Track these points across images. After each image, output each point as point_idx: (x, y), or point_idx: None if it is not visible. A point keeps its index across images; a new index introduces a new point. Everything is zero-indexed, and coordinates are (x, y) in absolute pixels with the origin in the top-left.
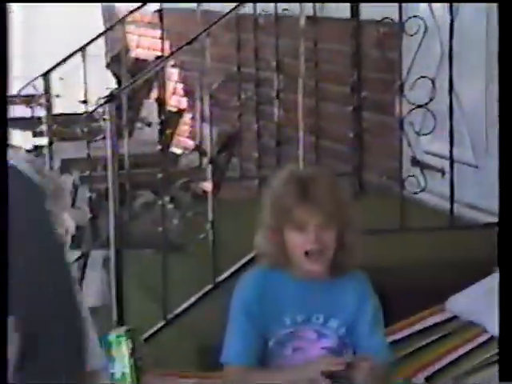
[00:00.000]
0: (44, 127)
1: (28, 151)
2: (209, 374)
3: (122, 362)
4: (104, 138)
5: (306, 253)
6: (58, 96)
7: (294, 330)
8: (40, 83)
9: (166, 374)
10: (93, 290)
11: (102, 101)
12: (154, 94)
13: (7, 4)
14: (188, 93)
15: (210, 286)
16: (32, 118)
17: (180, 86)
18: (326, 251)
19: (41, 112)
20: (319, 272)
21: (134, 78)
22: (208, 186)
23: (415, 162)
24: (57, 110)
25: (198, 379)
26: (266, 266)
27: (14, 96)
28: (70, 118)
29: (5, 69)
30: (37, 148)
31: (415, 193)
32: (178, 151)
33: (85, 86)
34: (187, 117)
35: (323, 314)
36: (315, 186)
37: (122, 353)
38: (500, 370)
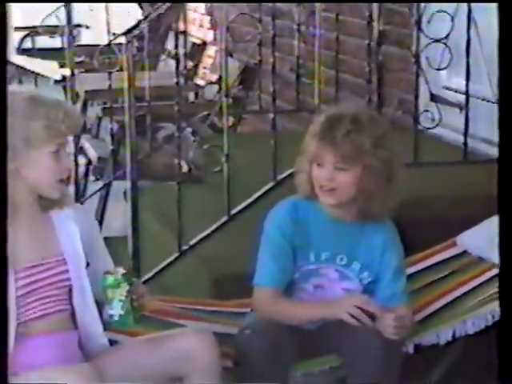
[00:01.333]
0: (67, 58)
1: (56, 81)
2: (222, 303)
3: (119, 304)
4: (121, 69)
5: (321, 187)
6: (87, 27)
7: (317, 266)
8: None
9: (178, 301)
10: (115, 221)
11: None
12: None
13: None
14: (213, 25)
15: (224, 218)
16: (61, 48)
17: (206, 19)
18: (338, 190)
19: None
20: (341, 207)
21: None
22: (225, 118)
23: (433, 96)
24: (85, 40)
25: (210, 308)
26: (300, 197)
27: (37, 26)
28: (93, 49)
29: (5, 69)
30: (65, 78)
31: (430, 128)
32: (202, 83)
33: (107, 17)
34: (212, 49)
35: (347, 256)
36: (337, 127)
37: (119, 295)
38: (500, 369)
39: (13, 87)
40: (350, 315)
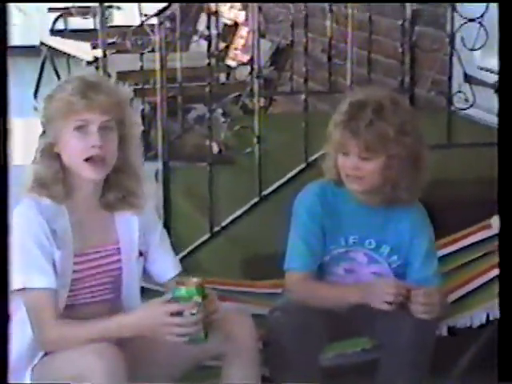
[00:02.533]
0: (99, 39)
1: (89, 63)
2: (253, 284)
3: (190, 318)
4: (153, 50)
5: (347, 175)
6: (119, 8)
7: (346, 250)
8: None
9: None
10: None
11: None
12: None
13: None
14: (245, 6)
15: (256, 200)
16: (93, 29)
17: None
18: (365, 178)
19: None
20: (368, 193)
21: None
22: (257, 100)
23: (466, 77)
24: (117, 22)
25: (242, 288)
26: (328, 180)
27: (70, 7)
28: (125, 30)
29: (5, 69)
30: (97, 59)
31: (463, 108)
32: (233, 64)
33: None
34: (244, 30)
35: (375, 240)
36: (360, 116)
37: (190, 308)
38: (500, 369)
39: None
40: (382, 301)
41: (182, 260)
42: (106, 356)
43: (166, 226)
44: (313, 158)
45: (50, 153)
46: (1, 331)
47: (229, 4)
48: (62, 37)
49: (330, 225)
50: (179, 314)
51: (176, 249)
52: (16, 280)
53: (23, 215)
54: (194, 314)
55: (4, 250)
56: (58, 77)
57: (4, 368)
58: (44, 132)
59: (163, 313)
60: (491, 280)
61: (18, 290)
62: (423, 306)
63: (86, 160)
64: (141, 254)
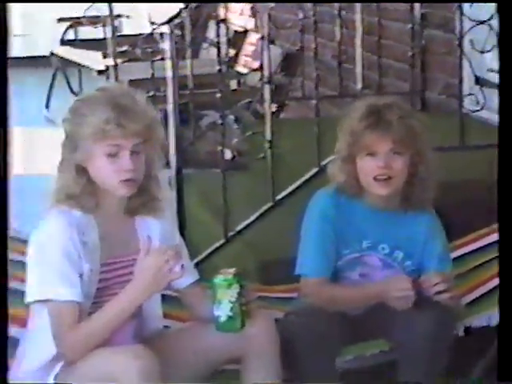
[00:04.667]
0: (110, 48)
1: (100, 72)
2: (268, 288)
3: (227, 305)
4: (163, 58)
5: (375, 178)
6: (128, 17)
7: (360, 255)
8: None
9: None
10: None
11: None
12: (220, 14)
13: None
14: (254, 13)
15: (269, 204)
16: (103, 39)
17: (247, 7)
18: (394, 178)
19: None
20: (387, 197)
21: None
22: (268, 105)
23: (477, 79)
24: (126, 31)
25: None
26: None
27: (80, 17)
28: (135, 39)
29: (5, 68)
30: (108, 69)
31: (475, 111)
32: (244, 71)
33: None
34: (254, 37)
35: (388, 245)
36: (388, 113)
37: (229, 297)
38: (499, 369)
39: (107, 84)
40: (397, 298)
41: (197, 265)
42: (140, 356)
43: (181, 232)
44: (325, 162)
45: (78, 167)
46: (1, 332)
47: (238, 11)
48: (73, 47)
49: (344, 229)
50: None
51: (191, 255)
52: (43, 290)
53: (53, 227)
54: (232, 302)
55: (4, 256)
56: (70, 86)
57: (4, 368)
58: (69, 144)
59: (156, 255)
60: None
61: (43, 301)
62: (437, 286)
63: (120, 181)
64: None
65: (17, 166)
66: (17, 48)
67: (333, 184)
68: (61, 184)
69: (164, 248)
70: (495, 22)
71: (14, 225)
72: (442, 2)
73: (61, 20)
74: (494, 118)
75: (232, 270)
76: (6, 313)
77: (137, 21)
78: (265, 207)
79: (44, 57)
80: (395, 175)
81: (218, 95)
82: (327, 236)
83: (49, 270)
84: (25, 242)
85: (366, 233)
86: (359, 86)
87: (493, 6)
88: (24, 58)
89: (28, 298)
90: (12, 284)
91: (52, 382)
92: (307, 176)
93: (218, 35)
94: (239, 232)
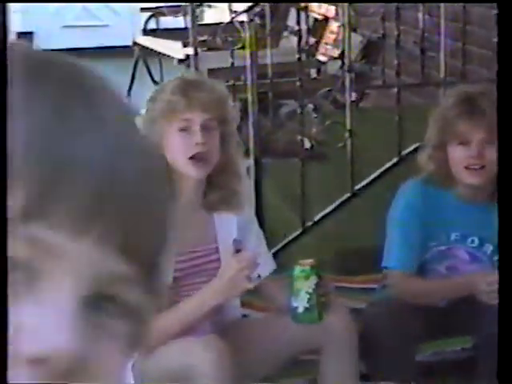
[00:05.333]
0: (190, 37)
1: (180, 61)
2: (349, 279)
3: (305, 296)
4: (243, 47)
5: (467, 167)
6: (209, 6)
7: (448, 247)
8: None
9: None
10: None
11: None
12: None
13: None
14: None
15: (348, 194)
16: (184, 28)
17: None
18: (487, 167)
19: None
20: (477, 188)
21: None
22: (348, 94)
23: None
24: (207, 20)
25: (337, 283)
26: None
27: (161, 7)
28: (215, 28)
29: (5, 68)
30: (188, 57)
31: None
32: (324, 59)
33: None
34: (335, 25)
35: (478, 238)
36: (482, 101)
37: (307, 287)
38: (499, 369)
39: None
40: (486, 292)
41: (274, 256)
42: (213, 348)
43: (259, 222)
44: (406, 152)
45: None
46: (1, 331)
47: None
48: (154, 36)
49: (432, 221)
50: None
51: (269, 244)
52: None
53: None
54: (309, 294)
55: (4, 252)
56: (151, 76)
57: (4, 368)
58: (145, 127)
59: (235, 262)
60: None
61: None
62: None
63: (190, 158)
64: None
65: None
66: (96, 38)
67: (421, 174)
68: None
69: (246, 255)
70: None
71: None
72: (443, 2)
73: (143, 10)
74: None
75: (310, 261)
76: (6, 313)
77: (219, 10)
78: (343, 197)
79: (126, 47)
80: (488, 165)
81: (298, 84)
82: (414, 228)
83: None
84: None
85: (455, 225)
86: (442, 74)
87: None
88: (106, 47)
89: None
90: None
91: (129, 371)
92: (387, 166)
93: (298, 23)
94: (317, 222)
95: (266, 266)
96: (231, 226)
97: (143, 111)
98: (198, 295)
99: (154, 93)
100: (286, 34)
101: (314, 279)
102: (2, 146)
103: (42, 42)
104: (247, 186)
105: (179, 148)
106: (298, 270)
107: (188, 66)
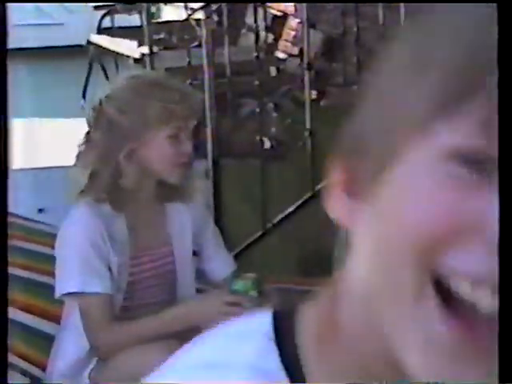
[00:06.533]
0: (145, 36)
1: (136, 60)
2: (309, 281)
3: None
4: (199, 45)
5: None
6: (165, 3)
7: None
8: None
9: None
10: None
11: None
12: None
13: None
14: None
15: (308, 194)
16: (140, 26)
17: None
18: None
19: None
20: None
21: None
22: (307, 92)
23: None
24: (163, 18)
25: (300, 286)
26: None
27: (116, 4)
28: (171, 26)
29: (5, 69)
30: (144, 57)
31: None
32: (284, 57)
33: None
34: (294, 21)
35: None
36: None
37: (246, 302)
38: (500, 370)
39: (137, 71)
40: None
41: (235, 257)
42: (173, 351)
43: (218, 223)
44: None
45: (119, 159)
46: (1, 331)
47: None
48: (110, 35)
49: None
50: (236, 305)
51: (228, 247)
52: (72, 283)
53: (80, 219)
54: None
55: (4, 252)
56: (106, 75)
57: (4, 368)
58: (115, 135)
59: (221, 302)
60: None
61: (73, 294)
62: None
63: (176, 166)
64: (194, 253)
65: (61, 157)
66: (53, 38)
67: None
68: (89, 175)
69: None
70: None
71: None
72: (443, 2)
73: (97, 8)
74: None
75: (251, 275)
76: (6, 312)
77: (177, 7)
78: (304, 198)
79: (81, 46)
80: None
81: (257, 83)
82: None
83: (77, 263)
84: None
85: None
86: None
87: None
88: (60, 47)
89: (56, 293)
90: (42, 279)
91: (86, 379)
92: None
93: (255, 20)
94: (278, 223)
95: (226, 265)
96: (186, 229)
97: (108, 116)
98: (183, 307)
99: (129, 98)
100: (244, 31)
101: (254, 294)
102: (2, 145)
103: None
104: (199, 183)
105: (168, 156)
106: (238, 284)
107: (144, 65)
